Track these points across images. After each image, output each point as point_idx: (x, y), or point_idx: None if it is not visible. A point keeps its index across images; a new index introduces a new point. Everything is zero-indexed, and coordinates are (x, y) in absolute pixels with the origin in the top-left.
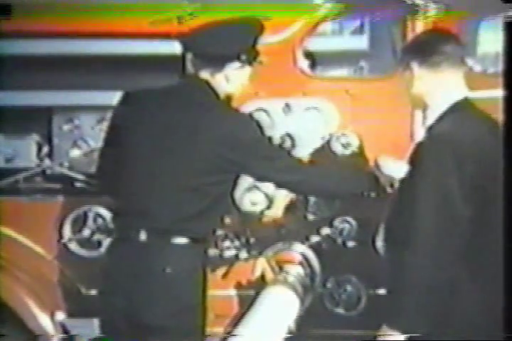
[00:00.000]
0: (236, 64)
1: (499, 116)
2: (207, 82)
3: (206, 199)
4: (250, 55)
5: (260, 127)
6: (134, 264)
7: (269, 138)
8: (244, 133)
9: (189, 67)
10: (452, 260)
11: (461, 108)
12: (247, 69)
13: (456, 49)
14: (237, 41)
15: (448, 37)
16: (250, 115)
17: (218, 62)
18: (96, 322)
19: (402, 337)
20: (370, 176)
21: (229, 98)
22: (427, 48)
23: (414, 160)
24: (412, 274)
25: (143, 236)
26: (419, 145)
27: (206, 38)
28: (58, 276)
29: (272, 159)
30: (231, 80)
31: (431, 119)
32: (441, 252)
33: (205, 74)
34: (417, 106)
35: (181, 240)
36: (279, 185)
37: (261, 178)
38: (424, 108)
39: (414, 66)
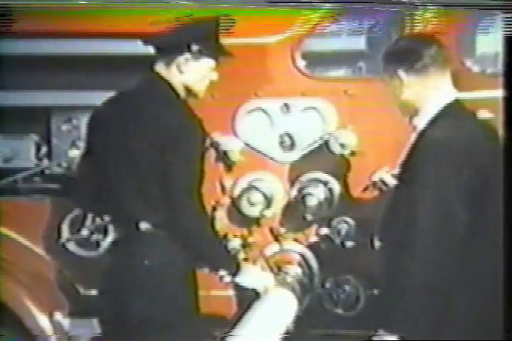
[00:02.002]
0: (186, 55)
1: (499, 116)
2: (159, 75)
3: (176, 194)
4: (205, 47)
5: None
6: (120, 261)
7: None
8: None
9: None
10: (449, 263)
11: (453, 110)
12: (205, 62)
13: (439, 51)
14: (188, 32)
15: (429, 41)
16: (193, 119)
17: (169, 54)
18: (94, 322)
19: (398, 338)
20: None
21: (189, 89)
22: (411, 55)
23: (408, 164)
24: (409, 276)
25: (125, 232)
26: (413, 149)
27: (165, 33)
28: (57, 276)
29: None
30: (184, 72)
31: (423, 123)
32: (437, 255)
33: (159, 68)
34: (406, 112)
35: (156, 232)
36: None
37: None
38: (415, 113)
39: (401, 74)
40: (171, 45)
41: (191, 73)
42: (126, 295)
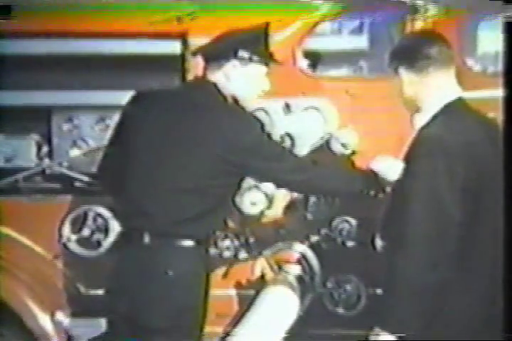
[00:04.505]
0: (234, 61)
1: (499, 116)
2: (214, 85)
3: (209, 202)
4: (253, 53)
5: (263, 128)
6: (137, 266)
7: (273, 139)
8: (247, 135)
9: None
10: (443, 261)
11: (454, 109)
12: (253, 68)
13: (442, 50)
14: (235, 38)
15: (432, 39)
16: (254, 116)
17: (216, 60)
18: (95, 321)
19: (394, 337)
20: (371, 174)
21: (236, 100)
22: (412, 53)
23: (406, 162)
24: (403, 275)
25: (146, 238)
26: (411, 146)
27: (213, 42)
28: (58, 276)
29: (276, 160)
30: (231, 79)
31: (423, 121)
32: (431, 253)
33: (212, 76)
34: (410, 108)
35: (183, 243)
36: (284, 185)
37: (266, 180)
38: (417, 110)
39: (402, 71)
40: (217, 52)
41: (239, 80)
42: (144, 302)
